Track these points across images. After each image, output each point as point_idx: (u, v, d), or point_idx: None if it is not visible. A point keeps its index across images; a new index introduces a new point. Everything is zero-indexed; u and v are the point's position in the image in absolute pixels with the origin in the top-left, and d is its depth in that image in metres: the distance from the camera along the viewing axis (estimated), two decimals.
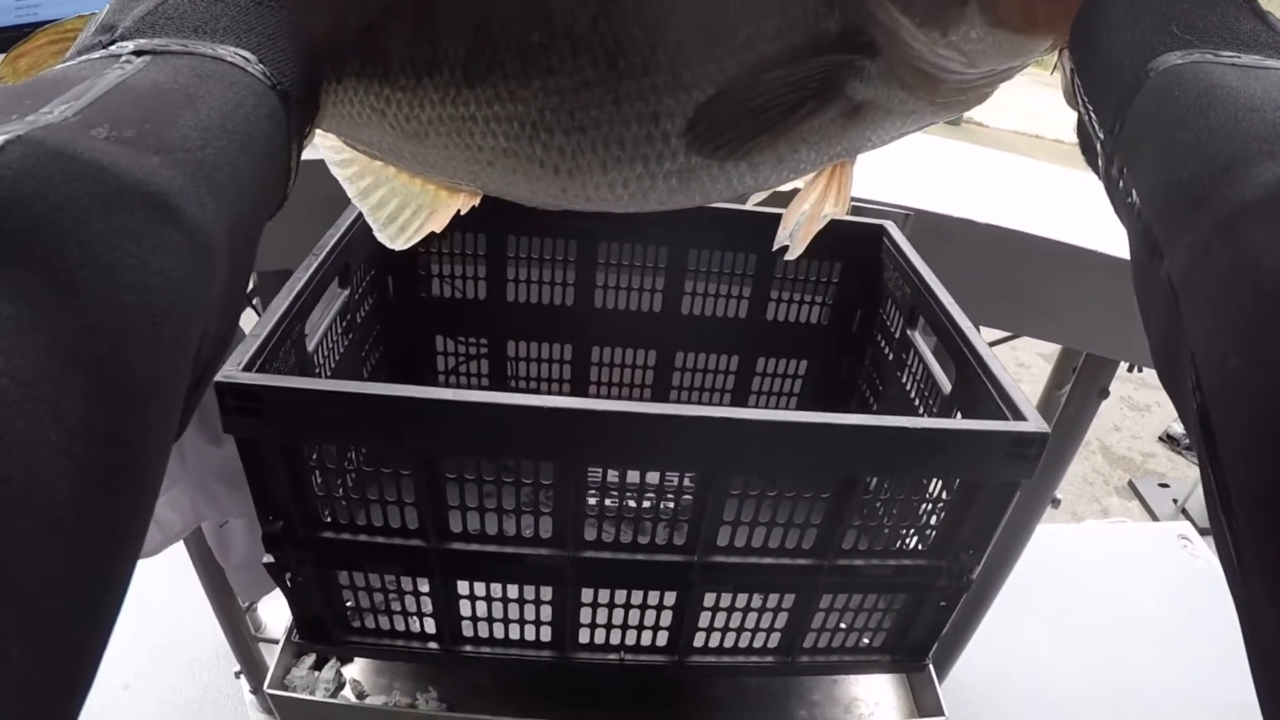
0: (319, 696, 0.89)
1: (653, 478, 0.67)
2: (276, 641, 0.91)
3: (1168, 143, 0.35)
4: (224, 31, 0.42)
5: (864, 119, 0.50)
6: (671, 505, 0.69)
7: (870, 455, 0.66)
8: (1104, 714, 1.90)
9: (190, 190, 0.32)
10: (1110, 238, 1.11)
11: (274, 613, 1.79)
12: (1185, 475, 4.12)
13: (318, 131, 0.57)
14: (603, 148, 0.50)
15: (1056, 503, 1.48)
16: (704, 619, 0.78)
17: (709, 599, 0.76)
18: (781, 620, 0.78)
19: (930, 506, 0.73)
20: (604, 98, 0.48)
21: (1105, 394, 1.32)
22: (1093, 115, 0.42)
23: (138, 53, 0.38)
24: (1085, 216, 1.19)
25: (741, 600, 0.77)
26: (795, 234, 0.63)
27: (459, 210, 0.63)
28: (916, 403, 0.88)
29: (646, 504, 0.69)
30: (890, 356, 0.95)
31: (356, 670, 0.92)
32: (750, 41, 0.46)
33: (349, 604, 0.80)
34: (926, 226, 1.09)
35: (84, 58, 0.38)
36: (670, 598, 0.76)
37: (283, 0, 0.47)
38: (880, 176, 1.14)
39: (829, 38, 0.46)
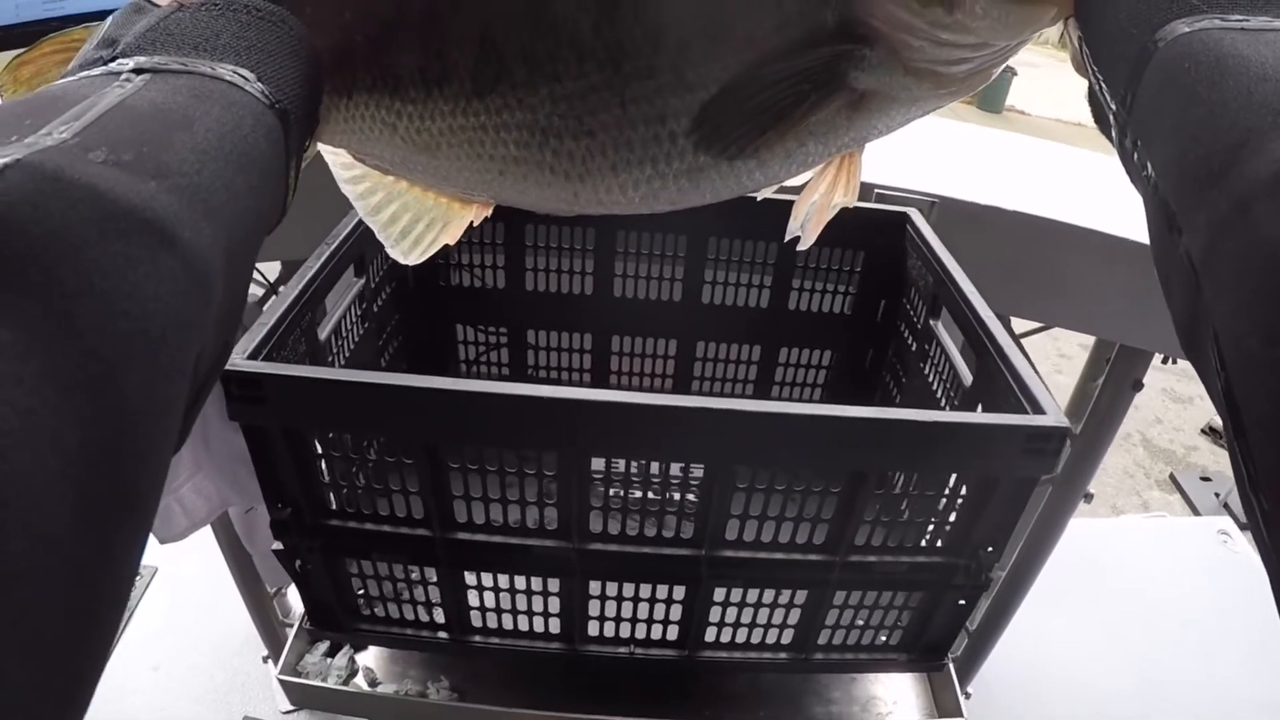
0: (331, 683, 0.89)
1: (660, 469, 0.67)
2: None
3: (1180, 118, 0.34)
4: (224, 49, 0.42)
5: (869, 108, 0.49)
6: (678, 498, 0.68)
7: (880, 449, 0.64)
8: (1139, 711, 1.86)
9: (186, 215, 0.32)
10: (1143, 225, 1.08)
11: None
12: (1228, 469, 4.03)
13: (328, 148, 0.58)
14: (612, 150, 0.50)
15: (1089, 497, 1.45)
16: (715, 614, 0.77)
17: (719, 593, 0.75)
18: (794, 616, 0.77)
19: (946, 502, 0.71)
20: (610, 101, 0.48)
21: (1139, 386, 1.29)
22: (1103, 85, 0.41)
23: (137, 70, 0.38)
24: (1119, 203, 1.16)
25: (753, 595, 0.76)
26: (806, 225, 0.61)
27: (471, 221, 0.62)
28: (939, 395, 0.86)
29: (653, 496, 0.68)
30: (914, 347, 0.93)
31: (370, 658, 0.92)
32: (751, 38, 0.46)
33: (359, 592, 0.80)
34: (953, 214, 1.06)
35: (84, 74, 0.38)
36: (680, 591, 0.75)
37: (284, 16, 0.47)
38: (907, 164, 1.12)
39: (828, 29, 0.46)
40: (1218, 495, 3.87)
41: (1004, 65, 0.50)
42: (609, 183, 0.52)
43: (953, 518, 0.71)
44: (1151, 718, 1.86)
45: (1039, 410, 0.65)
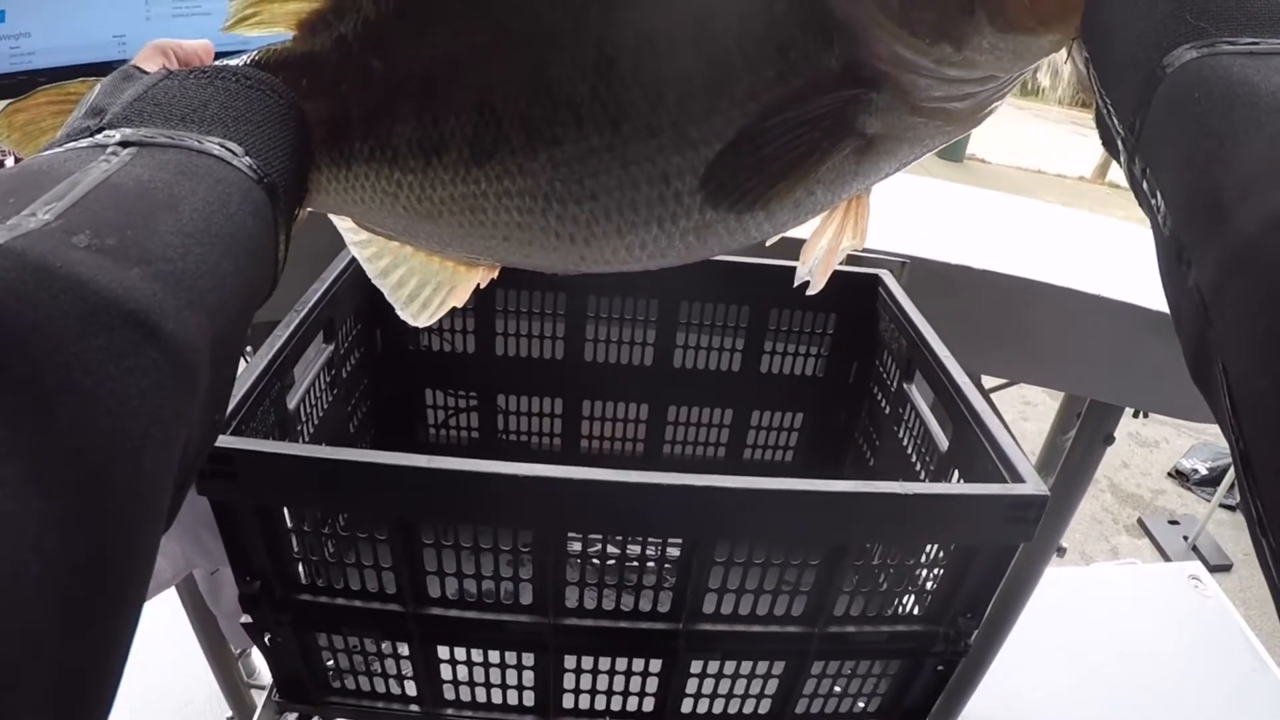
0: None
1: (637, 543, 0.66)
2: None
3: (1190, 150, 0.34)
4: (212, 120, 0.42)
5: (877, 151, 0.49)
6: (655, 569, 0.67)
7: (862, 521, 0.64)
8: None
9: (170, 304, 0.31)
10: (1112, 280, 1.09)
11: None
12: (1195, 512, 4.09)
13: (333, 216, 0.58)
14: (616, 213, 0.50)
15: (1062, 551, 1.45)
16: (691, 685, 0.76)
17: (696, 665, 0.74)
18: (772, 686, 0.76)
19: (925, 571, 0.70)
20: (611, 163, 0.48)
21: (1110, 440, 1.29)
22: (1111, 110, 0.41)
23: (124, 144, 0.38)
24: (1086, 258, 1.17)
25: (730, 667, 0.74)
26: (814, 270, 0.61)
27: (479, 284, 0.62)
28: (914, 459, 0.86)
29: (630, 568, 0.67)
30: (887, 410, 0.93)
31: None
32: (752, 90, 0.45)
33: (329, 664, 0.78)
34: (923, 274, 1.07)
35: (71, 145, 0.38)
36: (656, 664, 0.74)
37: (273, 84, 0.47)
38: (877, 224, 1.12)
39: (832, 75, 0.45)
40: (1186, 538, 3.89)
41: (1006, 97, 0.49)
42: (615, 244, 0.52)
43: (932, 586, 0.70)
44: None
45: (1018, 479, 0.65)
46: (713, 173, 0.47)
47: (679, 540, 0.65)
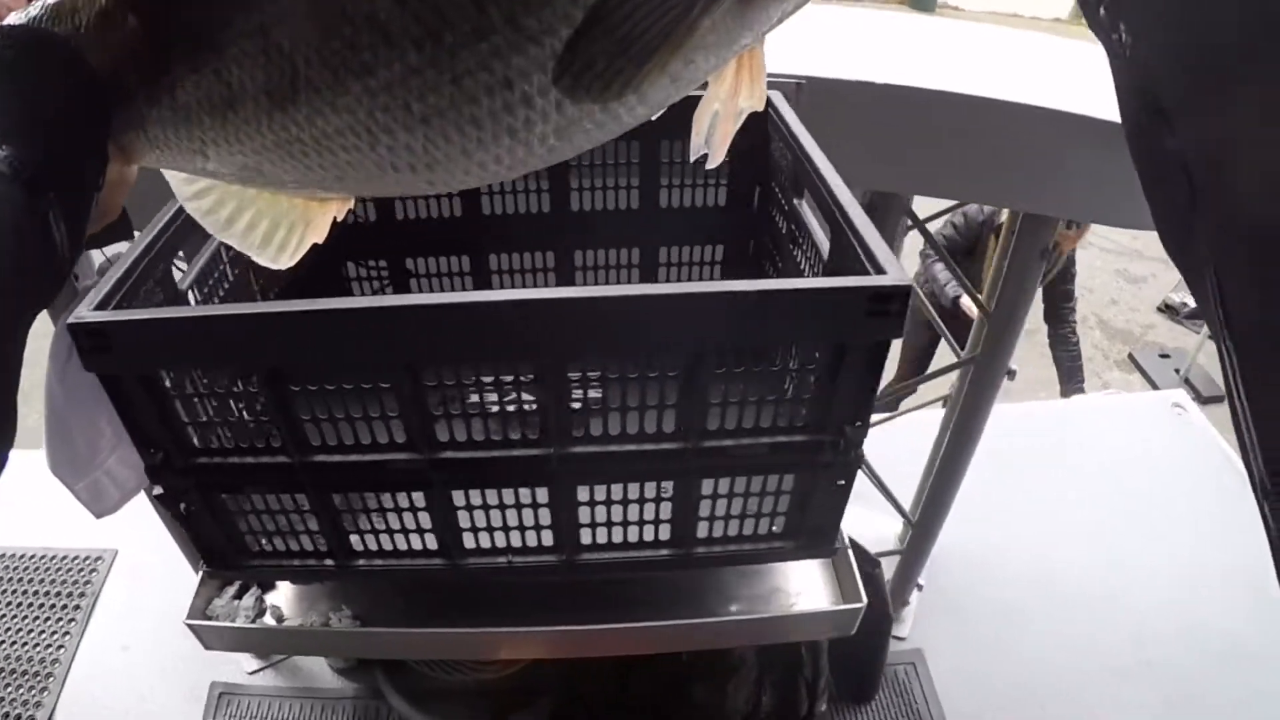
0: (240, 623, 0.90)
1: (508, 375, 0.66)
2: None
3: None
4: None
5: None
6: (528, 398, 0.68)
7: (714, 324, 0.63)
8: (1099, 583, 1.89)
9: None
10: (1037, 89, 1.06)
11: None
12: (1185, 345, 4.09)
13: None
14: (456, 134, 0.43)
15: (1012, 374, 1.45)
16: (584, 515, 0.77)
17: (583, 493, 0.75)
18: (666, 510, 0.77)
19: (797, 376, 0.70)
20: (439, 80, 0.41)
21: (1045, 255, 1.29)
22: None
23: None
24: (1009, 70, 1.14)
25: (617, 492, 0.75)
26: (712, 139, 0.52)
27: (335, 217, 0.55)
28: (805, 272, 0.85)
29: (494, 398, 0.68)
30: (784, 229, 0.92)
31: (279, 597, 0.93)
32: None
33: (244, 529, 0.79)
34: (823, 93, 1.03)
35: None
36: (543, 494, 0.75)
37: (54, 41, 0.43)
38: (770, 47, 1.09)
39: None
40: (1178, 371, 3.90)
41: None
42: (464, 165, 0.45)
43: (807, 396, 0.70)
44: (1107, 582, 1.89)
45: (881, 271, 0.64)
46: (565, 65, 0.39)
47: (532, 362, 0.65)
